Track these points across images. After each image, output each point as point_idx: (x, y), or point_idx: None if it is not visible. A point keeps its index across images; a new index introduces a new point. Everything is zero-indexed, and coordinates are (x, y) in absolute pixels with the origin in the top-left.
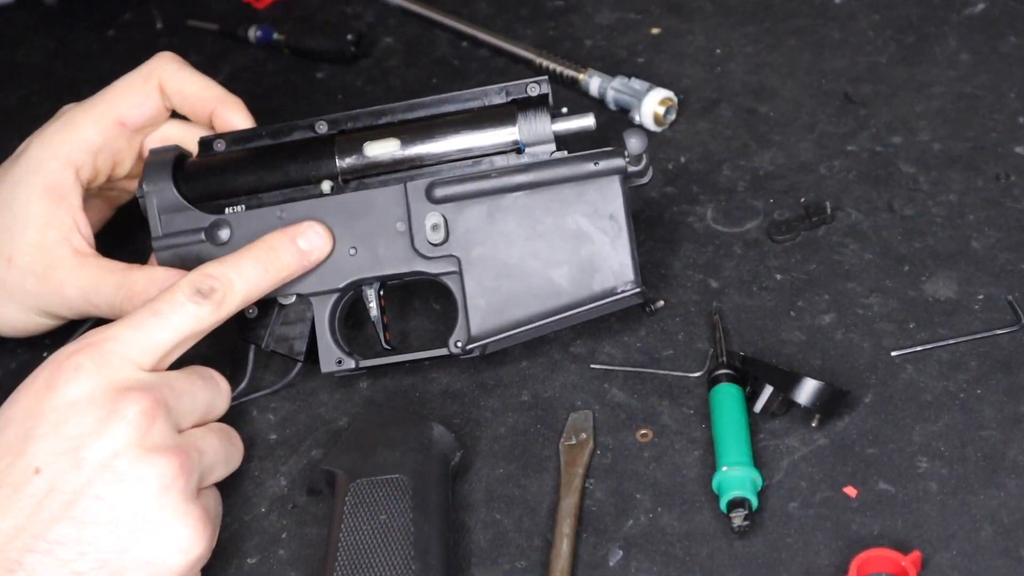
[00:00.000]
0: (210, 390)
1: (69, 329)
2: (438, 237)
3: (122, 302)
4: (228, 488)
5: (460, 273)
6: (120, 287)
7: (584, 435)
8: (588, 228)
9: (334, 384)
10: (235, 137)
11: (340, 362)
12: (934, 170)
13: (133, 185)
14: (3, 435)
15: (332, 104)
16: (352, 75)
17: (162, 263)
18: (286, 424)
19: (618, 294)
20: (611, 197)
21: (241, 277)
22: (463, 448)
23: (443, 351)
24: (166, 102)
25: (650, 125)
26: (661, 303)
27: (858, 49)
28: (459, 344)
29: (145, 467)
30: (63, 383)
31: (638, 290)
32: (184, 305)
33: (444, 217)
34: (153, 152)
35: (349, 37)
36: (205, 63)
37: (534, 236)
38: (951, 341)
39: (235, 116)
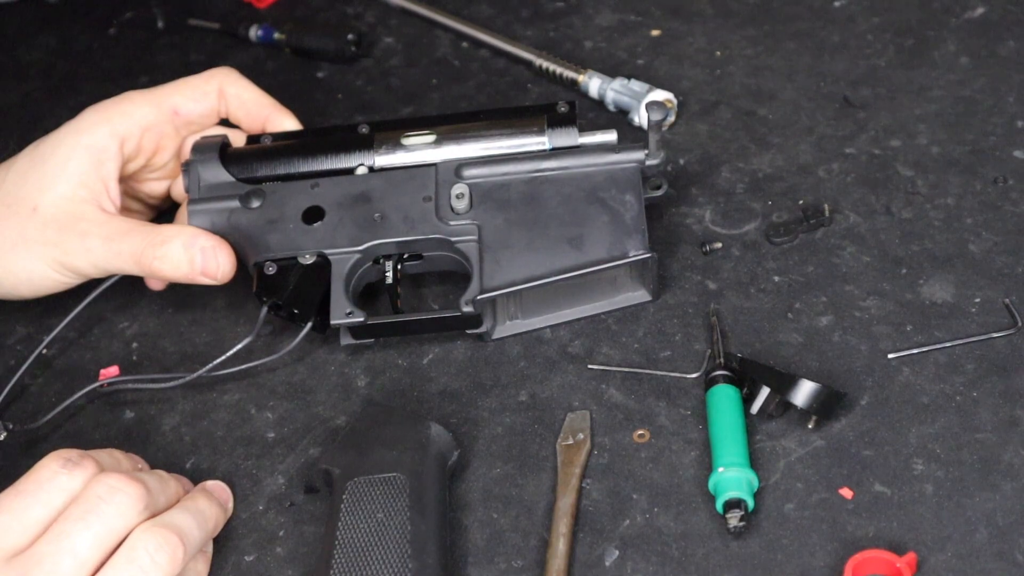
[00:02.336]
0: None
1: (87, 289)
2: (462, 205)
3: (145, 248)
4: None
5: (480, 240)
6: (149, 233)
7: (581, 435)
8: (606, 206)
9: (332, 383)
10: (281, 136)
11: (350, 313)
12: (932, 173)
13: (163, 187)
14: None
15: (332, 104)
16: (352, 75)
17: (194, 226)
18: (284, 422)
19: (630, 257)
20: (629, 182)
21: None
22: (460, 447)
23: (454, 311)
24: (222, 107)
25: (654, 119)
26: (719, 245)
27: (857, 52)
28: (470, 303)
29: None
30: None
31: (649, 254)
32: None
33: (470, 189)
34: (203, 137)
35: (350, 37)
36: (206, 62)
37: (554, 209)
38: (948, 344)
39: (287, 121)
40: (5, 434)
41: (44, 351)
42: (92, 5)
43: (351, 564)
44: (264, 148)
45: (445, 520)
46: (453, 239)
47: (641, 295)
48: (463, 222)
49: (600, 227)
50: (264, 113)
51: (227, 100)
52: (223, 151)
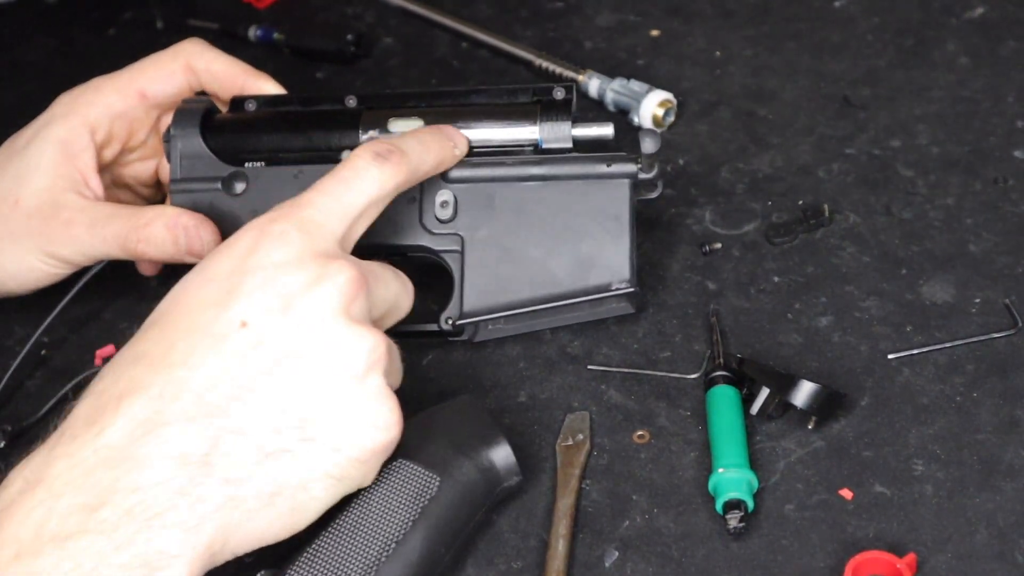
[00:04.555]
0: (400, 284)
1: (72, 282)
2: (446, 214)
3: (129, 231)
4: None
5: (462, 252)
6: (132, 216)
7: (581, 436)
8: (592, 225)
9: None
10: (266, 100)
11: None
12: (932, 174)
13: (148, 168)
14: (205, 290)
15: None
16: (352, 75)
17: (175, 205)
18: None
19: (612, 290)
20: (619, 199)
21: (410, 149)
22: (522, 475)
23: (433, 326)
24: (192, 81)
25: (649, 127)
26: (719, 245)
27: (857, 52)
28: (450, 320)
29: (355, 339)
30: (269, 247)
31: (632, 289)
32: (367, 169)
33: (455, 196)
34: (185, 101)
35: (349, 37)
36: None
37: (539, 226)
38: (948, 344)
39: (266, 85)
40: (4, 443)
41: (43, 352)
42: (92, 5)
43: (340, 538)
44: (247, 121)
45: (450, 544)
46: (436, 248)
47: (625, 308)
48: (446, 231)
49: (585, 250)
50: (239, 82)
51: (197, 75)
52: (206, 119)
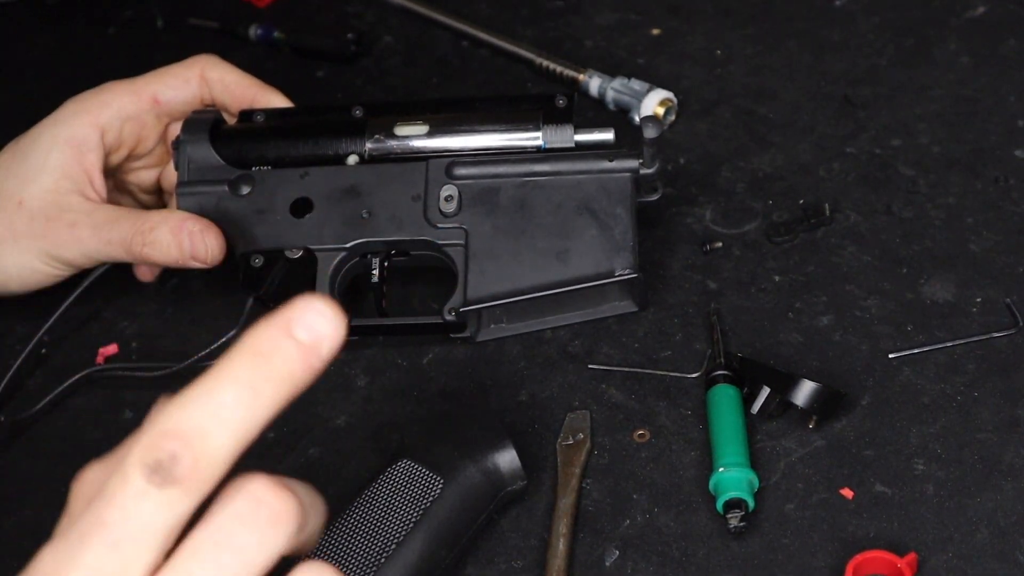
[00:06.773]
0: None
1: (73, 281)
2: (451, 208)
3: (134, 235)
4: None
5: (466, 245)
6: (137, 220)
7: (581, 435)
8: (595, 218)
9: (332, 382)
10: (274, 112)
11: None
12: (933, 173)
13: (152, 176)
14: None
15: None
16: (352, 74)
17: (182, 209)
18: (283, 422)
19: (616, 276)
20: (621, 194)
21: (220, 420)
22: (527, 480)
23: (436, 318)
24: (205, 92)
25: None
26: (719, 244)
27: (858, 51)
28: (453, 311)
29: None
30: None
31: (635, 275)
32: (139, 498)
33: (459, 191)
34: (195, 112)
35: (349, 36)
36: None
37: (543, 219)
38: (948, 343)
39: (275, 99)
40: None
41: (43, 351)
42: (92, 5)
43: (340, 537)
44: (255, 129)
45: (452, 544)
46: (440, 242)
47: (627, 305)
48: (451, 225)
49: (588, 241)
50: (249, 95)
51: (210, 85)
52: (215, 129)
